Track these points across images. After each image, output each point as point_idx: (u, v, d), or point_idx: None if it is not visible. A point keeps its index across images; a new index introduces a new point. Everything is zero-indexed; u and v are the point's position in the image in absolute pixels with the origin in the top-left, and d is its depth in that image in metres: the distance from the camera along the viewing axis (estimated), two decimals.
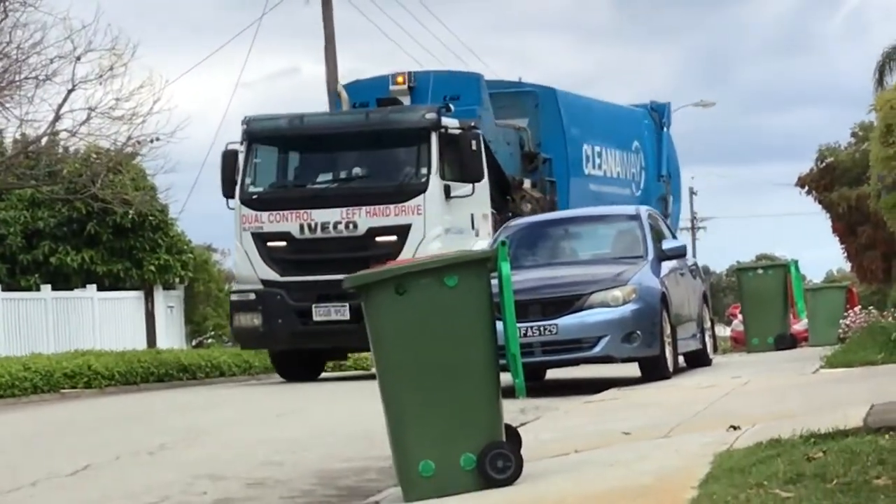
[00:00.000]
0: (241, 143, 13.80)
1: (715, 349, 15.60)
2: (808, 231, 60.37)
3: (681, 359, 12.96)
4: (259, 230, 13.20)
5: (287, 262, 13.21)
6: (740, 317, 20.82)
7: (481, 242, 13.25)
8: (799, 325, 19.12)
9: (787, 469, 5.57)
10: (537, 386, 10.23)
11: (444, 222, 13.14)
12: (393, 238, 12.86)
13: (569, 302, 11.46)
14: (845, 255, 27.72)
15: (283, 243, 13.15)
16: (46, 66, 21.71)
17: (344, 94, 15.74)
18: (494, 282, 5.84)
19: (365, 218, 12.92)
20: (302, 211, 13.05)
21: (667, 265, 12.49)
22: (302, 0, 21.94)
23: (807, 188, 25.10)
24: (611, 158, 17.62)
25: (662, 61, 78.36)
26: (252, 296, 13.16)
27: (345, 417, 10.10)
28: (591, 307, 11.42)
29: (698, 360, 13.52)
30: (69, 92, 21.07)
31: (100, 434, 9.86)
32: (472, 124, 13.65)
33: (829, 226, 25.02)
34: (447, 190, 13.19)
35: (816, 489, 5.16)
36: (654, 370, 11.78)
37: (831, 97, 63.31)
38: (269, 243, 13.20)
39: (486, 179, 13.89)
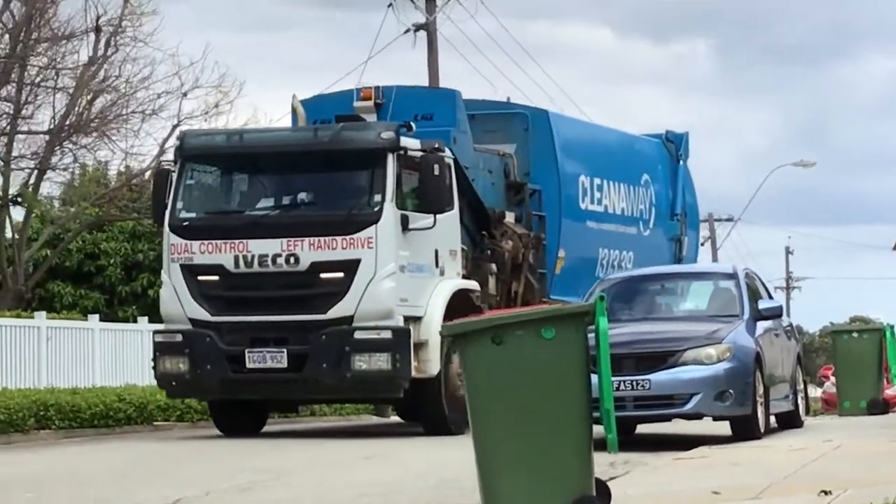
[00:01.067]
0: (174, 163, 12.44)
1: (807, 411, 15.51)
2: None
3: (772, 419, 12.81)
4: (189, 262, 11.68)
5: (219, 300, 11.68)
6: (833, 379, 20.37)
7: (448, 282, 12.13)
8: (892, 391, 18.79)
9: None
10: (628, 440, 9.90)
11: (400, 258, 11.53)
12: (339, 275, 11.40)
13: (663, 358, 11.51)
14: None
15: (216, 278, 11.63)
16: (153, 100, 22.61)
17: (300, 110, 13.39)
18: (590, 335, 5.92)
19: (308, 251, 11.42)
20: (238, 241, 11.53)
21: (762, 325, 12.47)
22: (409, 44, 23.06)
23: None
24: (614, 192, 15.56)
25: (762, 117, 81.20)
26: (179, 337, 11.67)
27: (433, 463, 10.00)
28: (684, 364, 11.47)
29: (790, 421, 13.46)
30: (174, 127, 21.90)
31: (191, 468, 9.87)
32: (437, 145, 11.91)
33: None
34: (404, 221, 11.60)
35: None
36: (745, 429, 11.70)
37: None
38: (200, 277, 11.70)
39: (455, 210, 12.32)
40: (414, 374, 11.33)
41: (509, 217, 13.78)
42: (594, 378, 5.75)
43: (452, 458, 9.60)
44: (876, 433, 12.30)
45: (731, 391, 11.46)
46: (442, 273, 12.07)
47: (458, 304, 11.85)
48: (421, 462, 10.21)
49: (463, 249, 12.68)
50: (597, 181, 15.13)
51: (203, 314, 11.58)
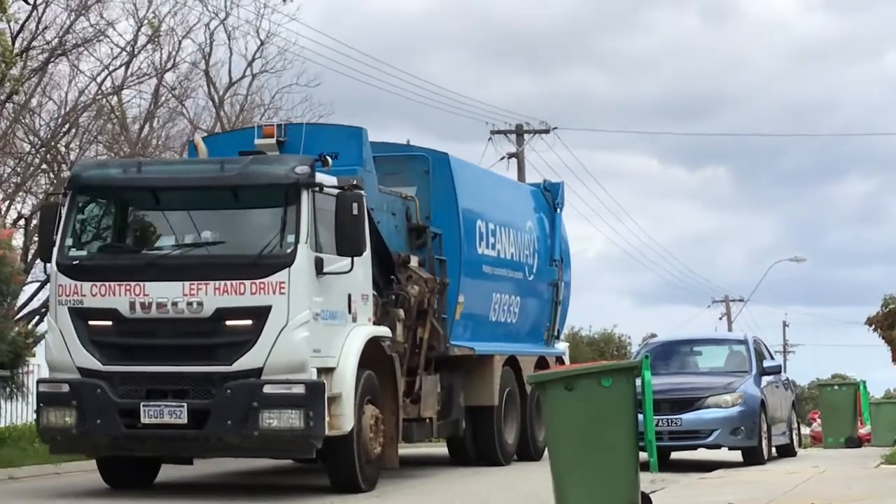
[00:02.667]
0: (63, 195, 11.07)
1: (799, 444, 19.09)
2: (873, 358, 77.21)
3: (773, 450, 16.04)
4: (79, 305, 10.33)
5: (112, 348, 10.32)
6: (818, 420, 25.45)
7: (361, 329, 10.93)
8: (864, 430, 22.61)
9: None
10: (664, 464, 11.46)
11: (314, 305, 10.23)
12: (247, 323, 10.07)
13: (691, 402, 14.61)
14: None
15: (109, 323, 10.25)
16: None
17: (202, 147, 12.32)
18: (637, 382, 7.71)
19: (213, 296, 10.08)
20: (134, 283, 10.18)
21: (766, 379, 15.80)
22: (503, 167, 28.92)
23: (873, 326, 30.36)
24: (505, 238, 14.84)
25: (768, 224, 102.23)
26: (65, 387, 10.28)
27: (515, 480, 12.31)
28: (707, 407, 14.58)
29: (786, 451, 17.02)
30: None
31: None
32: (354, 182, 10.83)
33: (890, 355, 30.21)
34: (319, 264, 10.28)
35: None
36: (753, 457, 14.92)
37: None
38: (91, 322, 10.34)
39: (368, 253, 11.18)
40: (326, 430, 10.12)
41: (413, 261, 12.78)
42: (640, 416, 7.61)
43: (531, 476, 12.12)
44: (853, 462, 15.29)
45: (742, 428, 14.60)
46: (354, 319, 10.90)
47: (370, 353, 10.98)
48: (509, 479, 12.42)
49: (374, 294, 11.61)
50: (491, 226, 14.41)
51: (94, 363, 10.28)
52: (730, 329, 41.63)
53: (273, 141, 11.42)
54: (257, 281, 10.02)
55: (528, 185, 17.34)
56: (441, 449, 14.89)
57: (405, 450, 13.94)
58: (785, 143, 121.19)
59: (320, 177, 10.51)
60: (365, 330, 10.91)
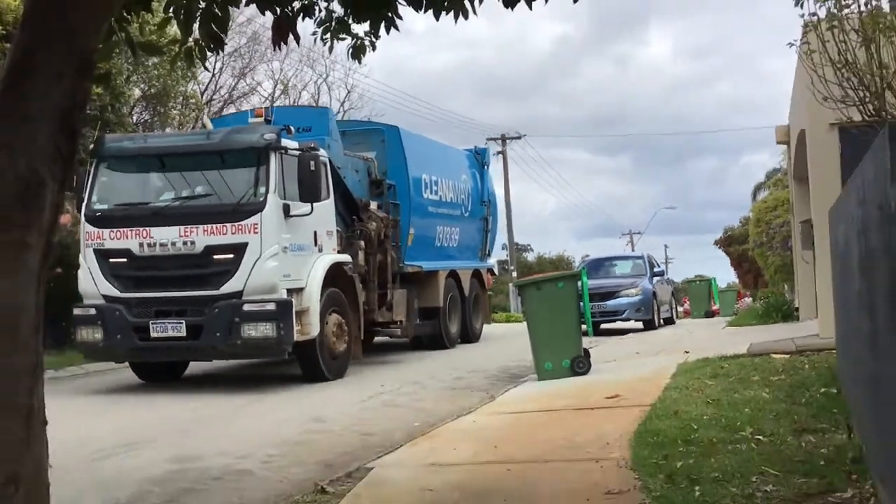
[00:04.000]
0: (90, 163, 12.84)
1: (676, 317, 26.88)
2: (720, 265, 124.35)
3: (662, 321, 23.08)
4: (101, 247, 12.13)
5: (127, 279, 11.97)
6: (688, 302, 34.97)
7: (326, 257, 12.70)
8: (715, 307, 31.98)
9: (711, 371, 9.84)
10: (596, 332, 16.41)
11: (283, 240, 11.83)
12: (230, 256, 11.62)
13: (611, 294, 21.28)
14: (737, 275, 49.19)
15: (124, 260, 11.94)
16: None
17: (209, 125, 14.41)
18: (578, 284, 11.35)
19: (202, 236, 11.70)
20: (142, 229, 11.90)
21: (656, 279, 23.10)
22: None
23: (719, 245, 47.85)
24: (445, 186, 17.78)
25: (655, 188, 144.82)
26: (93, 311, 12.02)
27: (494, 352, 16.14)
28: (621, 296, 21.40)
29: (669, 321, 24.43)
30: None
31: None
32: (312, 145, 12.47)
33: (729, 262, 47.60)
34: (286, 209, 11.95)
35: (723, 380, 9.06)
36: (649, 325, 21.86)
37: (734, 204, 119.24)
38: (111, 260, 12.09)
39: (331, 199, 13.12)
40: (298, 336, 11.67)
41: (373, 205, 15.23)
42: (581, 304, 11.26)
43: (504, 350, 16.30)
44: (709, 326, 21.98)
45: (642, 308, 21.61)
46: (320, 250, 12.68)
47: (335, 275, 12.79)
48: (491, 352, 16.54)
49: (338, 231, 13.46)
50: (434, 178, 17.27)
51: (114, 291, 12.02)
52: (633, 250, 55.77)
53: (262, 120, 12.82)
54: (236, 223, 11.68)
55: (464, 149, 19.99)
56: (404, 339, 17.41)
57: (380, 339, 17.02)
58: (663, 139, 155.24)
59: (285, 141, 12.21)
60: (329, 258, 12.75)
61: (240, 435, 8.55)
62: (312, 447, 7.86)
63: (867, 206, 4.43)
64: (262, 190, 11.88)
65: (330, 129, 14.35)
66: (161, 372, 13.08)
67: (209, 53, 4.79)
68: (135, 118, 22.90)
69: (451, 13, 4.92)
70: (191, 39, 4.62)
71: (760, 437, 6.45)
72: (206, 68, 21.19)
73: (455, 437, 7.65)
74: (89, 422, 9.56)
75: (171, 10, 4.50)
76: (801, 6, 8.25)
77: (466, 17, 4.98)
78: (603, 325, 20.76)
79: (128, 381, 13.16)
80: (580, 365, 11.22)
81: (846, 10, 8.17)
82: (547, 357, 11.23)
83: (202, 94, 28.07)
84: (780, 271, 28.06)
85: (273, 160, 11.96)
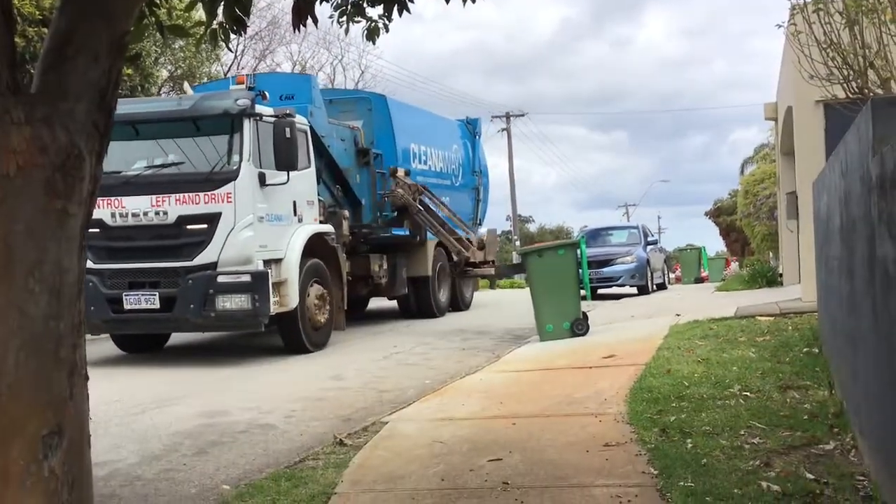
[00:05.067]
0: None
1: (668, 283, 27.34)
2: (709, 234, 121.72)
3: (655, 287, 22.88)
4: None
5: (100, 250, 10.86)
6: (679, 269, 34.50)
7: (306, 227, 11.78)
8: (704, 274, 32.08)
9: (701, 332, 9.92)
10: (594, 296, 16.24)
11: (258, 210, 10.89)
12: (203, 226, 10.72)
13: (608, 261, 21.20)
14: (725, 244, 48.81)
15: (97, 230, 10.73)
16: None
17: (190, 92, 13.32)
18: (578, 252, 11.36)
19: (175, 206, 10.79)
20: (114, 198, 10.88)
21: (649, 247, 22.84)
22: (500, 136, 42.82)
23: (708, 216, 48.57)
24: (434, 156, 16.93)
25: (650, 163, 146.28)
26: None
27: (501, 317, 15.91)
28: (617, 263, 21.30)
29: (662, 287, 24.29)
30: None
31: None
32: (288, 112, 11.34)
33: (718, 232, 47.97)
34: (262, 178, 10.97)
35: (713, 341, 9.14)
36: (643, 290, 21.67)
37: (724, 177, 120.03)
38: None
39: (312, 168, 12.20)
40: (277, 308, 10.83)
41: (400, 172, 14.71)
42: (580, 270, 11.20)
43: (507, 314, 16.07)
44: (699, 291, 21.98)
45: (637, 274, 21.46)
46: (300, 220, 11.70)
47: (317, 245, 11.93)
48: (496, 317, 16.09)
49: (320, 200, 12.50)
50: (423, 147, 16.38)
51: (88, 263, 10.50)
52: (628, 221, 55.87)
53: (244, 87, 11.52)
54: (209, 193, 10.69)
55: (456, 119, 18.94)
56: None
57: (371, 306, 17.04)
58: (657, 116, 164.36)
59: (259, 108, 11.08)
60: (309, 228, 11.79)
61: (264, 392, 8.59)
62: (332, 403, 7.91)
63: (849, 178, 4.42)
64: (235, 158, 10.90)
65: (313, 97, 13.24)
66: (143, 344, 12.37)
67: (232, 35, 4.78)
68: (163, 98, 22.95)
69: None
70: (215, 22, 4.61)
71: (748, 394, 6.48)
72: (229, 49, 21.15)
73: (463, 393, 7.70)
74: (126, 381, 9.62)
75: None
76: None
77: (474, 1, 4.95)
78: (600, 291, 20.77)
79: (115, 351, 12.57)
80: (579, 327, 11.26)
81: None
82: (549, 319, 11.26)
83: (225, 74, 28.05)
84: (765, 240, 28.07)
85: (247, 127, 10.91)
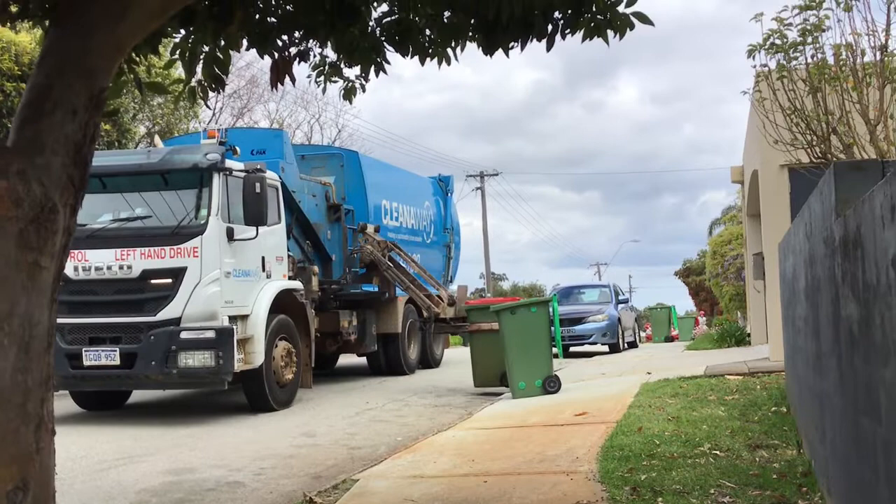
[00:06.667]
0: None
1: (639, 341, 27.42)
2: (679, 294, 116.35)
3: (626, 345, 23.36)
4: None
5: (61, 304, 9.26)
6: (650, 328, 34.45)
7: (274, 283, 11.53)
8: (675, 333, 31.94)
9: (671, 390, 10.00)
10: (566, 354, 17.59)
11: (225, 265, 10.63)
12: (168, 281, 10.46)
13: (580, 319, 21.54)
14: (694, 303, 49.70)
15: (60, 284, 8.99)
16: None
17: (160, 145, 12.90)
18: (550, 309, 11.67)
19: (139, 260, 10.54)
20: (78, 251, 10.63)
21: (620, 306, 23.39)
22: (474, 195, 34.34)
23: (678, 276, 49.77)
24: (406, 212, 16.89)
25: (621, 223, 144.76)
26: None
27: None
28: (589, 322, 21.60)
29: (633, 345, 24.73)
30: None
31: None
32: (258, 167, 11.17)
33: (687, 292, 49.20)
34: (230, 232, 10.74)
35: (683, 399, 9.20)
36: (614, 349, 22.09)
37: (693, 238, 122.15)
38: None
39: (282, 224, 12.05)
40: (241, 365, 10.59)
41: (370, 228, 14.64)
42: (552, 328, 11.38)
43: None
44: (669, 350, 21.91)
45: (608, 332, 21.76)
46: (269, 276, 11.49)
47: (285, 301, 11.72)
48: (460, 375, 14.97)
49: (290, 256, 12.34)
50: (394, 204, 16.37)
51: None
52: (600, 279, 57.21)
53: (215, 141, 11.38)
54: (175, 247, 10.47)
55: (428, 177, 18.93)
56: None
57: (339, 363, 16.77)
58: (628, 177, 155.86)
59: (229, 162, 10.95)
60: (277, 284, 11.54)
61: (232, 449, 8.46)
62: (302, 460, 7.79)
63: (813, 240, 4.49)
64: (203, 212, 10.69)
65: (284, 153, 13.13)
66: (103, 401, 12.02)
67: (211, 93, 4.81)
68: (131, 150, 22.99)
69: (435, 59, 4.96)
70: (194, 80, 4.64)
71: (718, 452, 6.46)
72: (208, 106, 21.21)
73: (435, 450, 7.61)
74: (91, 436, 9.42)
75: (176, 52, 4.52)
76: (754, 58, 8.37)
77: (449, 63, 5.02)
78: (572, 348, 21.41)
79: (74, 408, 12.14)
80: (551, 384, 11.24)
81: (795, 62, 8.29)
82: (521, 377, 11.23)
83: (203, 132, 28.22)
84: (733, 300, 28.31)
85: (216, 181, 10.73)
